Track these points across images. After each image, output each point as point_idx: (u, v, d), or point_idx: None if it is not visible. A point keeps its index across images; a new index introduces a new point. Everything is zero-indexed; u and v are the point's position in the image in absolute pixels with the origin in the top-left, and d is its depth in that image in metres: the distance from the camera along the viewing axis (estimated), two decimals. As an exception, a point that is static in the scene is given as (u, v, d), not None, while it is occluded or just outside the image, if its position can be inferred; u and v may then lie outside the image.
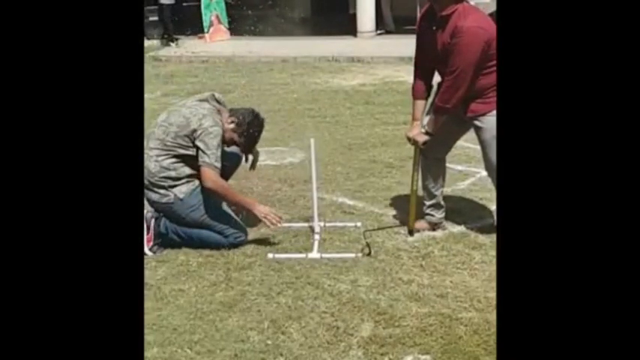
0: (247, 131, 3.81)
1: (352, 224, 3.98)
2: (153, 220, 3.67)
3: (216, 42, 11.83)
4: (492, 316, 2.88)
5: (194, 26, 12.13)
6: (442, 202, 3.91)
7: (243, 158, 4.06)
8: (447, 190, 4.15)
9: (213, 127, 3.61)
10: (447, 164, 3.98)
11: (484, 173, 4.03)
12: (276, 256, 3.58)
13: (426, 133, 3.64)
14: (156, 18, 11.99)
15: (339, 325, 2.91)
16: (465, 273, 3.37)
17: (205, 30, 11.86)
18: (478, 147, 3.71)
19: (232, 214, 3.76)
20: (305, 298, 3.15)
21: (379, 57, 9.86)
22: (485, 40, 3.32)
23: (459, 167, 4.91)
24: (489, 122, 3.41)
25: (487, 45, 3.33)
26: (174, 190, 3.66)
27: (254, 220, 3.79)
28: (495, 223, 3.61)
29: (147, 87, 6.49)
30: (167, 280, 3.39)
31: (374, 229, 3.90)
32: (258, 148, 4.05)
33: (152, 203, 3.71)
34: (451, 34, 3.38)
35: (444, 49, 3.43)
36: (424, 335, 2.83)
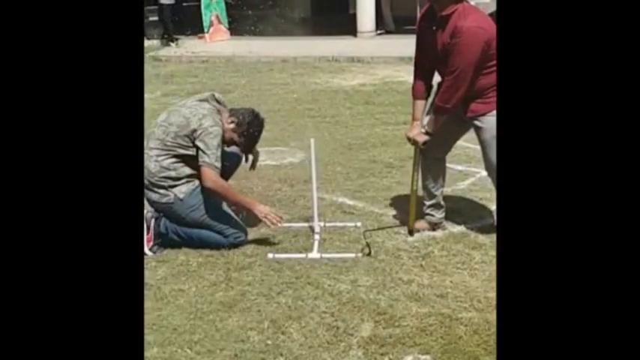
0: (247, 131, 3.81)
1: (352, 224, 3.98)
2: (153, 220, 3.67)
3: (216, 42, 11.82)
4: (492, 316, 2.88)
5: (194, 26, 12.13)
6: (442, 202, 3.91)
7: (243, 158, 4.06)
8: (447, 190, 4.15)
9: (213, 127, 3.61)
10: (447, 164, 3.98)
11: (484, 173, 4.03)
12: (276, 256, 3.58)
13: (426, 133, 3.65)
14: (156, 18, 11.98)
15: (339, 325, 2.91)
16: (465, 273, 3.37)
17: (205, 30, 11.85)
18: (478, 147, 3.71)
19: (232, 214, 3.76)
20: (305, 298, 3.15)
21: (379, 57, 9.86)
22: (485, 40, 3.32)
23: (459, 167, 4.91)
24: (489, 122, 3.41)
25: (487, 45, 3.33)
26: (174, 190, 3.66)
27: (254, 220, 3.79)
28: (495, 223, 3.61)
29: (147, 87, 6.49)
30: (167, 280, 3.39)
31: (374, 229, 3.90)
32: (258, 148, 4.05)
33: (152, 203, 3.71)
34: (451, 34, 3.38)
35: (444, 49, 3.43)
36: (424, 335, 2.83)
